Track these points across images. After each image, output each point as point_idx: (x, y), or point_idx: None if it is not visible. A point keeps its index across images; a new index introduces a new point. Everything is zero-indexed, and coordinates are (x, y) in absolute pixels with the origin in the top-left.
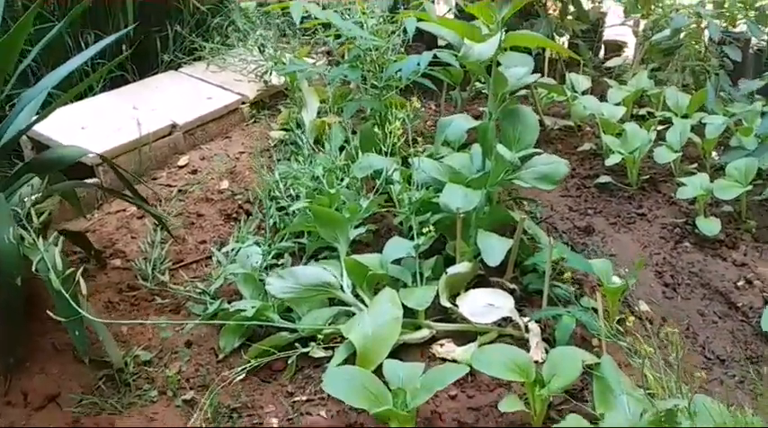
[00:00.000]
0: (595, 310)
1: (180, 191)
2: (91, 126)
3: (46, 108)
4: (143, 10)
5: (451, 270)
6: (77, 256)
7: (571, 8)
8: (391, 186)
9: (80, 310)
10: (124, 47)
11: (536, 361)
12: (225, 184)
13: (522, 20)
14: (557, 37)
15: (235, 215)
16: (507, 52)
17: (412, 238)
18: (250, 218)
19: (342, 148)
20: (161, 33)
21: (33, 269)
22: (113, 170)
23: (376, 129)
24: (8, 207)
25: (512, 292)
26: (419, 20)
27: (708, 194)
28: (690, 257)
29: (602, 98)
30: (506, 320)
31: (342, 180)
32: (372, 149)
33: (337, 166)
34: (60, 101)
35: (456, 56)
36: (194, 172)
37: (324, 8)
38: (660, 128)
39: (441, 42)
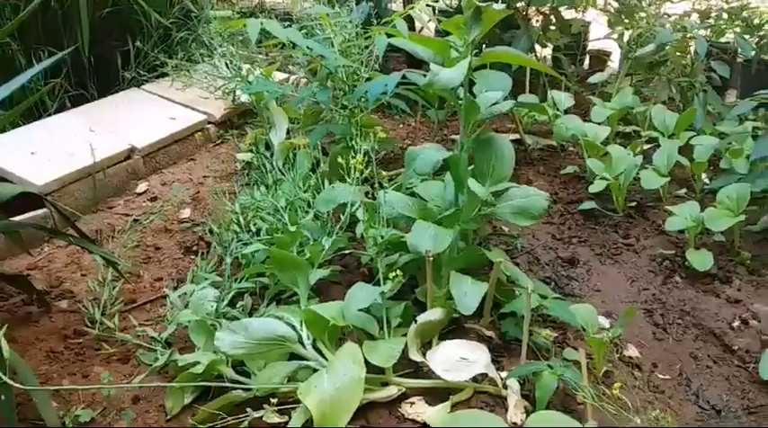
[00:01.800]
0: (579, 364)
1: (136, 220)
2: (42, 151)
3: None
4: (103, 24)
5: (422, 318)
6: (20, 298)
7: (553, 18)
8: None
9: (4, 377)
10: (85, 64)
11: (514, 423)
12: (186, 213)
13: (503, 32)
14: (539, 49)
15: (195, 248)
16: (483, 71)
17: (378, 281)
18: (210, 252)
19: (311, 172)
20: (122, 49)
21: None
22: (53, 207)
23: (341, 158)
24: None
25: (488, 340)
26: (389, 36)
27: (698, 225)
28: (681, 294)
29: (586, 115)
30: (483, 375)
31: (307, 212)
32: (341, 177)
33: (301, 198)
34: None
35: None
36: (154, 199)
37: (293, 22)
38: (647, 146)
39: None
